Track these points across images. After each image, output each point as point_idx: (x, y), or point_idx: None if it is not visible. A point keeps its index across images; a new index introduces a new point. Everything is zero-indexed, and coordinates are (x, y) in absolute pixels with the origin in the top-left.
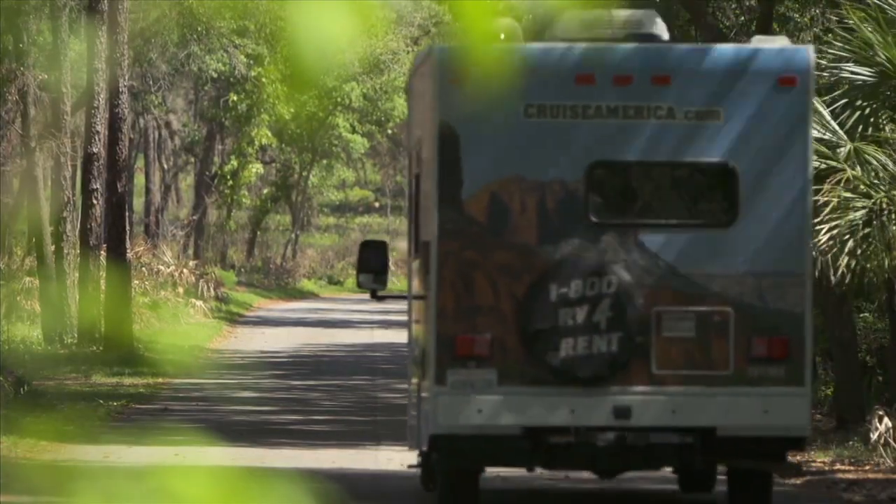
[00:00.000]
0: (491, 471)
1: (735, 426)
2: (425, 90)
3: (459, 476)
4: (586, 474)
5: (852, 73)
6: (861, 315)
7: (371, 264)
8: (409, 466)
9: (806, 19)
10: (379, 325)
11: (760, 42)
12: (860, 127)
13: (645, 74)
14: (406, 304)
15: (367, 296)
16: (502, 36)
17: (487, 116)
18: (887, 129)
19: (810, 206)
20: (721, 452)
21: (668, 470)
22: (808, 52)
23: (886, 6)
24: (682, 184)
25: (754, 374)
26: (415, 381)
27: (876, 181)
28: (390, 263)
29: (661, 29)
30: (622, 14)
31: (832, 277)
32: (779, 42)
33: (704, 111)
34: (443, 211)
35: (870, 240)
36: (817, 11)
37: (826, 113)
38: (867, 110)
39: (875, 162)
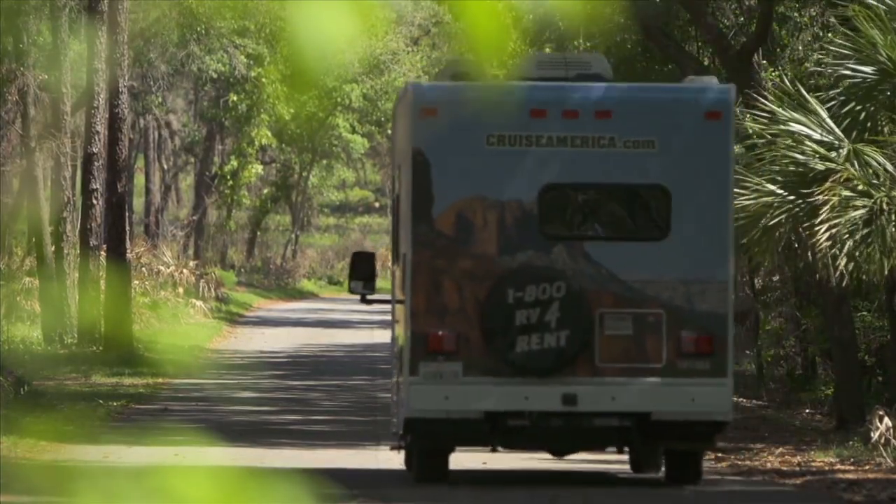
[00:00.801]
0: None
1: (667, 412)
2: (403, 121)
3: (431, 455)
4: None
5: (853, 70)
6: (860, 314)
7: (361, 272)
8: (392, 448)
9: (805, 19)
10: (379, 325)
11: (691, 81)
12: (856, 130)
13: (590, 109)
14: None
15: None
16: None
17: (455, 144)
18: (885, 130)
19: (732, 223)
20: (655, 435)
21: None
22: (731, 90)
23: (891, 2)
24: (622, 203)
25: (683, 367)
26: (395, 373)
27: (875, 182)
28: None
29: (606, 69)
30: (572, 57)
31: (832, 278)
32: (707, 82)
33: (641, 140)
34: (416, 226)
35: (869, 240)
36: (817, 11)
37: (824, 113)
38: (864, 114)
39: (874, 163)
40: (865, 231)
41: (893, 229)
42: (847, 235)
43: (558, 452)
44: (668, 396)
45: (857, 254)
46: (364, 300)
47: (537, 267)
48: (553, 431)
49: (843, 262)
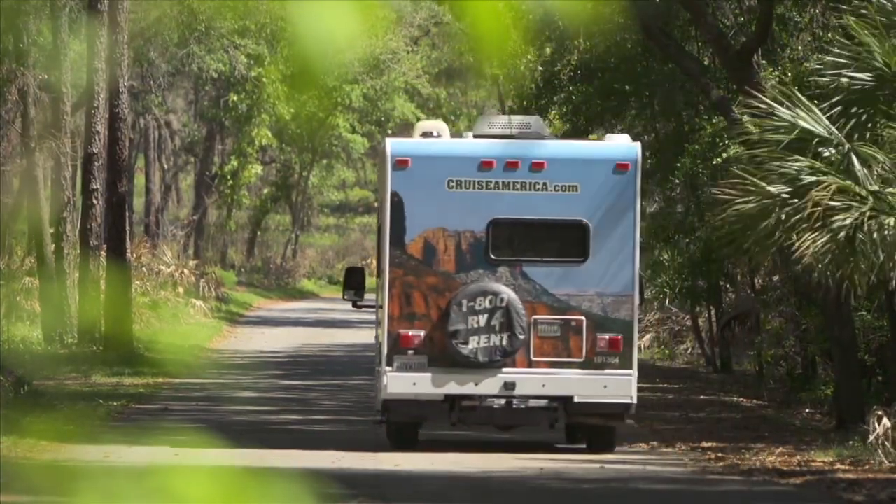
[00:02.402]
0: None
1: (586, 396)
2: (382, 169)
3: (404, 428)
4: None
5: (850, 77)
6: (860, 314)
7: (352, 283)
8: (374, 422)
9: (805, 20)
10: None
11: (607, 139)
12: (856, 135)
13: (527, 161)
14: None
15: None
16: (435, 133)
17: (422, 188)
18: (884, 134)
19: (637, 249)
20: (577, 414)
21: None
22: (638, 147)
23: (886, 11)
24: (552, 234)
25: (599, 361)
26: (376, 365)
27: (872, 187)
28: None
29: (542, 128)
30: (517, 118)
31: (826, 277)
32: (620, 139)
33: (567, 185)
34: (392, 250)
35: (855, 248)
36: (816, 12)
37: (821, 115)
38: (864, 116)
39: (873, 162)
40: (847, 243)
41: (878, 238)
42: (828, 246)
43: (502, 427)
44: (586, 384)
45: (841, 262)
46: (355, 306)
47: (486, 283)
48: (497, 411)
49: (828, 269)
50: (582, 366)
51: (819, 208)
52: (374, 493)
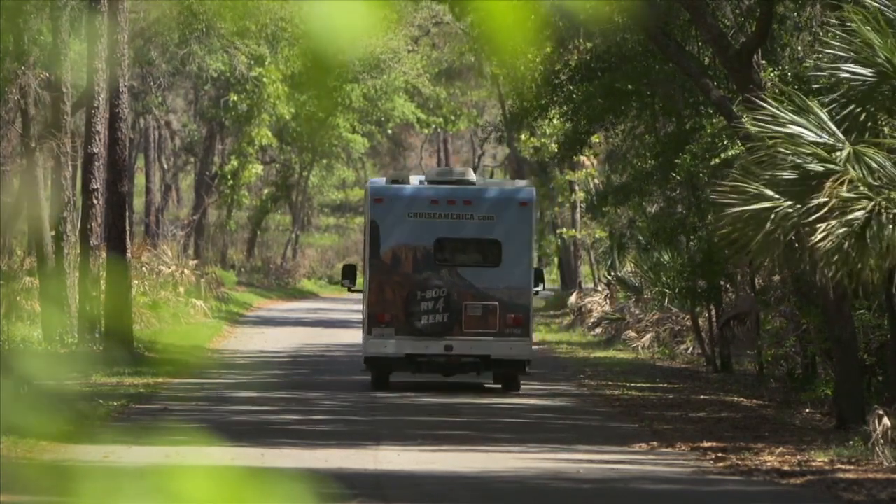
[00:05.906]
0: None
1: (499, 355)
2: (366, 203)
3: (379, 376)
4: None
5: (852, 73)
6: (860, 314)
7: (348, 276)
8: (361, 371)
9: (804, 19)
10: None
11: (514, 183)
12: (856, 132)
13: (461, 199)
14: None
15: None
16: (401, 180)
17: (391, 217)
18: (885, 130)
19: (534, 258)
20: (494, 366)
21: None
22: (534, 190)
23: (885, 7)
24: (477, 248)
25: (507, 332)
26: (362, 334)
27: (877, 183)
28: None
29: (472, 176)
30: (456, 169)
31: (828, 280)
32: (523, 184)
33: (487, 216)
34: (371, 258)
35: (867, 242)
36: (815, 11)
37: (824, 116)
38: (864, 114)
39: (874, 164)
40: (861, 234)
41: (889, 230)
42: (844, 238)
43: (445, 375)
44: (499, 347)
45: (853, 253)
46: (349, 290)
47: (433, 280)
48: (440, 364)
49: (838, 263)
50: (496, 335)
51: (835, 199)
52: (374, 493)
